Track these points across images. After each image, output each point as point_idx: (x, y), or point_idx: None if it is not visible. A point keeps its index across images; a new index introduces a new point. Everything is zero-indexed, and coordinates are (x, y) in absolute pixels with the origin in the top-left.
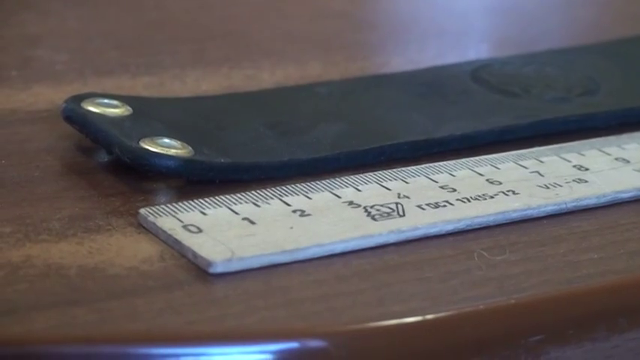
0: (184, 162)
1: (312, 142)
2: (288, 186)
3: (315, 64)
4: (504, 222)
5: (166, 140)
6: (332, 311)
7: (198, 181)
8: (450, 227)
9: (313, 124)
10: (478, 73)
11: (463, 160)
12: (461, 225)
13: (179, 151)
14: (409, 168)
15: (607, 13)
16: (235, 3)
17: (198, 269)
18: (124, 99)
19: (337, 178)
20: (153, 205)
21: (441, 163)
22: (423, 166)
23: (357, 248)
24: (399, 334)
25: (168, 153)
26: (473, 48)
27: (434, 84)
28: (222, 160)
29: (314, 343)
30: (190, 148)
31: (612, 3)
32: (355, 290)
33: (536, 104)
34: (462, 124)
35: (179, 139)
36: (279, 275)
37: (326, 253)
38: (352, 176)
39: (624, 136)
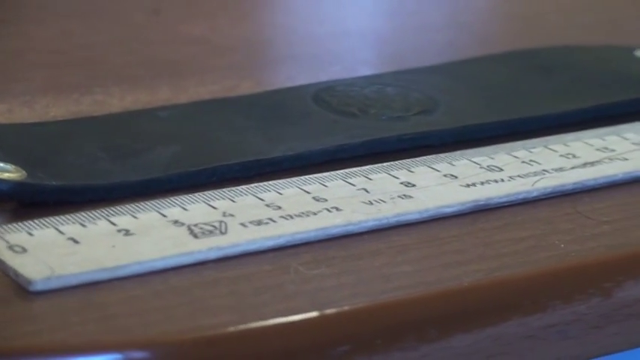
0: (15, 185)
1: (146, 164)
2: (118, 207)
3: (165, 89)
4: (325, 238)
5: (1, 164)
6: (143, 325)
7: (32, 203)
8: (270, 243)
9: (149, 147)
10: (320, 95)
11: (294, 178)
12: (281, 241)
13: (12, 174)
14: (239, 187)
15: (463, 35)
16: (97, 30)
17: (19, 287)
18: None
19: (167, 199)
20: None
21: (271, 182)
22: (253, 185)
23: (176, 265)
24: (208, 347)
25: (0, 177)
26: (325, 70)
27: (275, 106)
28: (55, 183)
29: (121, 356)
30: (24, 172)
31: (469, 25)
32: (169, 305)
33: (372, 124)
34: (296, 144)
35: (15, 164)
36: (97, 292)
37: (146, 271)
38: (182, 196)
39: (457, 153)
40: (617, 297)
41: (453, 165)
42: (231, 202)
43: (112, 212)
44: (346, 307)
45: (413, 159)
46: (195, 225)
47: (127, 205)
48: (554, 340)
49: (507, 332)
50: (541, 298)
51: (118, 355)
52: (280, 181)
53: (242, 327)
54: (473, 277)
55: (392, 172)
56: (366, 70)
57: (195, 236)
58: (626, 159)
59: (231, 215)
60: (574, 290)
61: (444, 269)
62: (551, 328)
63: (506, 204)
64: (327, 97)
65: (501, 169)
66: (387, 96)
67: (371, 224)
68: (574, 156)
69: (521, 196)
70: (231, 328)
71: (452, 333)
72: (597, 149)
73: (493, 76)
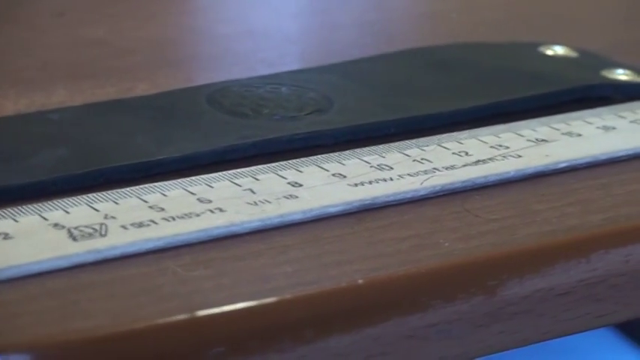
0: None
1: (31, 167)
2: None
3: (61, 91)
4: (207, 239)
5: None
6: (16, 329)
7: None
8: (149, 245)
9: (36, 150)
10: (214, 95)
11: (180, 180)
12: (161, 243)
13: None
14: (124, 189)
15: (369, 33)
16: None
17: None
18: None
19: (51, 202)
20: None
21: (157, 184)
22: (138, 187)
23: (53, 268)
24: (81, 350)
25: None
26: (225, 71)
27: (168, 107)
28: None
29: None
30: None
31: (375, 24)
32: (43, 309)
33: (264, 124)
34: (186, 145)
35: None
36: None
37: (22, 274)
38: (66, 199)
39: (348, 152)
40: (501, 295)
41: (343, 164)
42: (114, 204)
43: None
44: (221, 309)
45: (304, 159)
46: (76, 228)
47: (10, 209)
48: (436, 339)
49: (387, 332)
50: (421, 298)
51: None
52: (166, 182)
53: (116, 330)
54: (351, 277)
55: (280, 173)
56: (266, 70)
57: (75, 239)
58: (520, 156)
59: (113, 217)
60: (456, 289)
61: (324, 269)
62: (433, 328)
63: (393, 203)
64: (221, 98)
65: (391, 168)
66: (282, 96)
67: (254, 225)
68: (467, 154)
69: (409, 195)
70: (105, 331)
71: (329, 333)
72: (491, 147)
73: (391, 75)
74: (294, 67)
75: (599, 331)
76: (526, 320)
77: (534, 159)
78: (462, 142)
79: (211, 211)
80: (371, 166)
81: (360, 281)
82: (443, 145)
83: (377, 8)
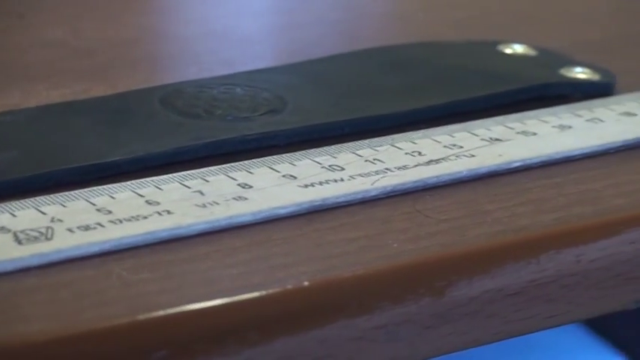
0: None
1: None
2: None
3: (16, 93)
4: (154, 242)
5: None
6: None
7: None
8: (95, 249)
9: None
10: (167, 96)
11: (130, 182)
12: (107, 246)
13: None
14: (73, 192)
15: (332, 33)
16: None
17: None
18: None
19: None
20: None
21: (106, 186)
22: (87, 189)
23: None
24: (23, 354)
25: None
26: (182, 72)
27: (121, 109)
28: None
29: None
30: None
31: (338, 23)
32: None
33: (216, 125)
34: (137, 147)
35: None
36: None
37: None
38: (14, 202)
39: (300, 153)
40: (450, 296)
41: (294, 165)
42: (61, 207)
43: None
44: (164, 312)
45: (255, 160)
46: (22, 231)
47: None
48: (383, 341)
49: (333, 334)
50: (368, 299)
51: None
52: (115, 185)
53: (56, 334)
54: (298, 279)
55: (230, 174)
56: (226, 71)
57: (20, 243)
58: (473, 155)
59: (60, 221)
60: (405, 290)
61: (271, 271)
62: (380, 330)
63: (344, 204)
64: (174, 99)
65: (343, 169)
66: (236, 96)
67: (201, 227)
68: (420, 153)
69: (359, 196)
70: (46, 336)
71: (275, 336)
72: (445, 146)
73: (347, 74)
74: (255, 67)
75: (569, 328)
76: (476, 321)
77: (487, 158)
78: (416, 142)
79: (159, 213)
80: (322, 167)
81: (306, 283)
82: (396, 145)
83: (342, 7)
